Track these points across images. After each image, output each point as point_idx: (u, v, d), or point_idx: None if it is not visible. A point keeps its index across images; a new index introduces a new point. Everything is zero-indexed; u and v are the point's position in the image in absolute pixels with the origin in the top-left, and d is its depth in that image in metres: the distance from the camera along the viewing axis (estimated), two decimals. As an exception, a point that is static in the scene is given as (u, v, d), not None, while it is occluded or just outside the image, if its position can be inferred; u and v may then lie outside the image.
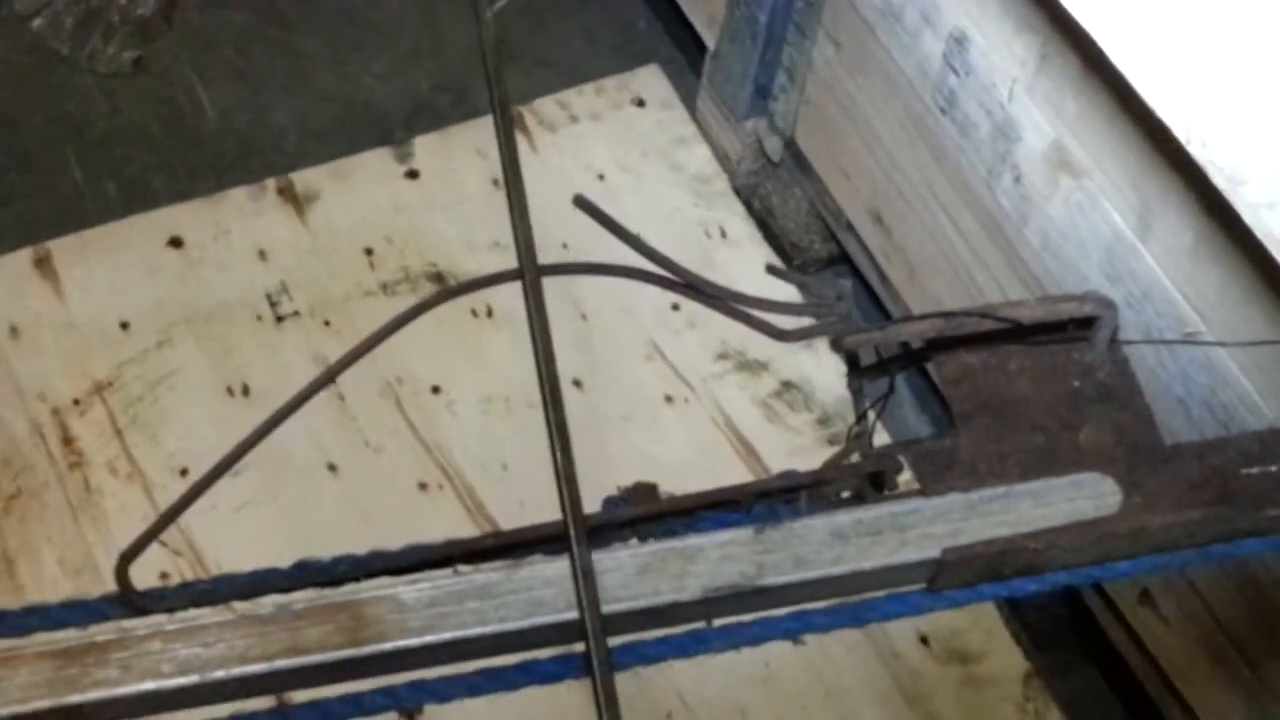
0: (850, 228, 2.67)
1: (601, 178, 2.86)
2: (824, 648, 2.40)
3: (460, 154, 2.88)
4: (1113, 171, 1.99)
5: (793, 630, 1.27)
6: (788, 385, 2.66)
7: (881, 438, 1.43)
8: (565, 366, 2.78)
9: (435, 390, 2.59)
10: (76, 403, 2.55)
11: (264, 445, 2.52)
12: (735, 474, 2.45)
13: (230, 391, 2.58)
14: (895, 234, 2.53)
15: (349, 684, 1.24)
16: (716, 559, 1.21)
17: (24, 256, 2.70)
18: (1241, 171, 1.72)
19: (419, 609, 1.21)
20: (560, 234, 2.77)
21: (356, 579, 1.25)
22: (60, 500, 2.46)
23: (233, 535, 2.40)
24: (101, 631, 1.20)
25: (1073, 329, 1.35)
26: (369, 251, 2.75)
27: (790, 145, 2.75)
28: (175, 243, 2.74)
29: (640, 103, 2.96)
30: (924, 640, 2.42)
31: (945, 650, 2.43)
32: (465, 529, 2.40)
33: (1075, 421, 1.31)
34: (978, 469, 1.29)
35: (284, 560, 1.33)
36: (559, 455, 1.21)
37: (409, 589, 1.22)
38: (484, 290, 2.77)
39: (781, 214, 2.81)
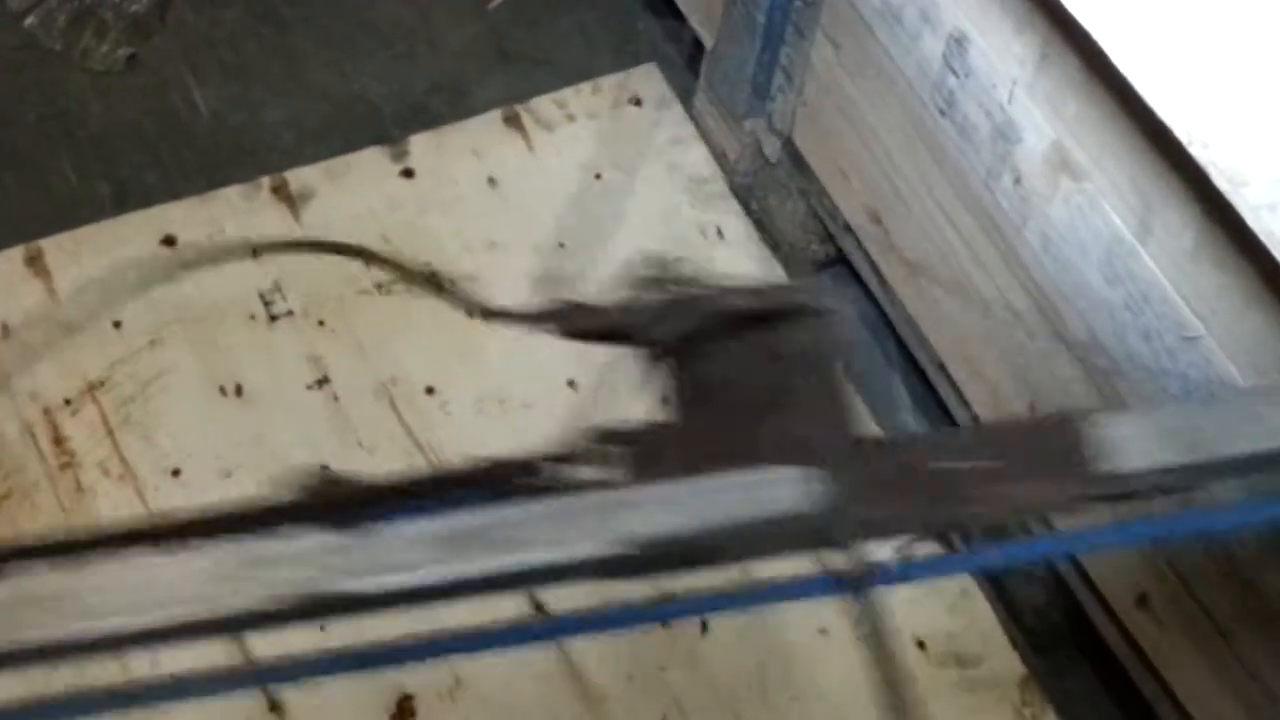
0: (848, 228, 2.66)
1: (598, 177, 2.85)
2: (819, 650, 2.39)
3: (455, 153, 2.87)
4: (1113, 173, 1.99)
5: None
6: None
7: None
8: (560, 368, 2.80)
9: (429, 391, 2.58)
10: (68, 402, 2.54)
11: (258, 446, 2.54)
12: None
13: (223, 391, 2.57)
14: (893, 235, 2.52)
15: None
16: (294, 563, 1.17)
17: (16, 255, 2.69)
18: (1243, 173, 1.71)
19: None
20: (556, 233, 2.77)
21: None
22: (51, 501, 2.45)
23: (225, 536, 2.39)
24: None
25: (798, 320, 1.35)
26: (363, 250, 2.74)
27: (788, 145, 2.74)
28: (168, 241, 2.73)
29: (637, 102, 2.95)
30: (920, 644, 2.42)
31: (941, 653, 2.42)
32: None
33: (792, 415, 1.31)
34: (689, 459, 1.28)
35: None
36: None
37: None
38: (479, 289, 2.77)
39: (779, 214, 2.80)
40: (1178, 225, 1.90)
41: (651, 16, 3.11)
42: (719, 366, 1.34)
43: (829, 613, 2.41)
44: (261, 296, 2.67)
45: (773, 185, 2.80)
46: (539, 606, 2.33)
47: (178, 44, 3.02)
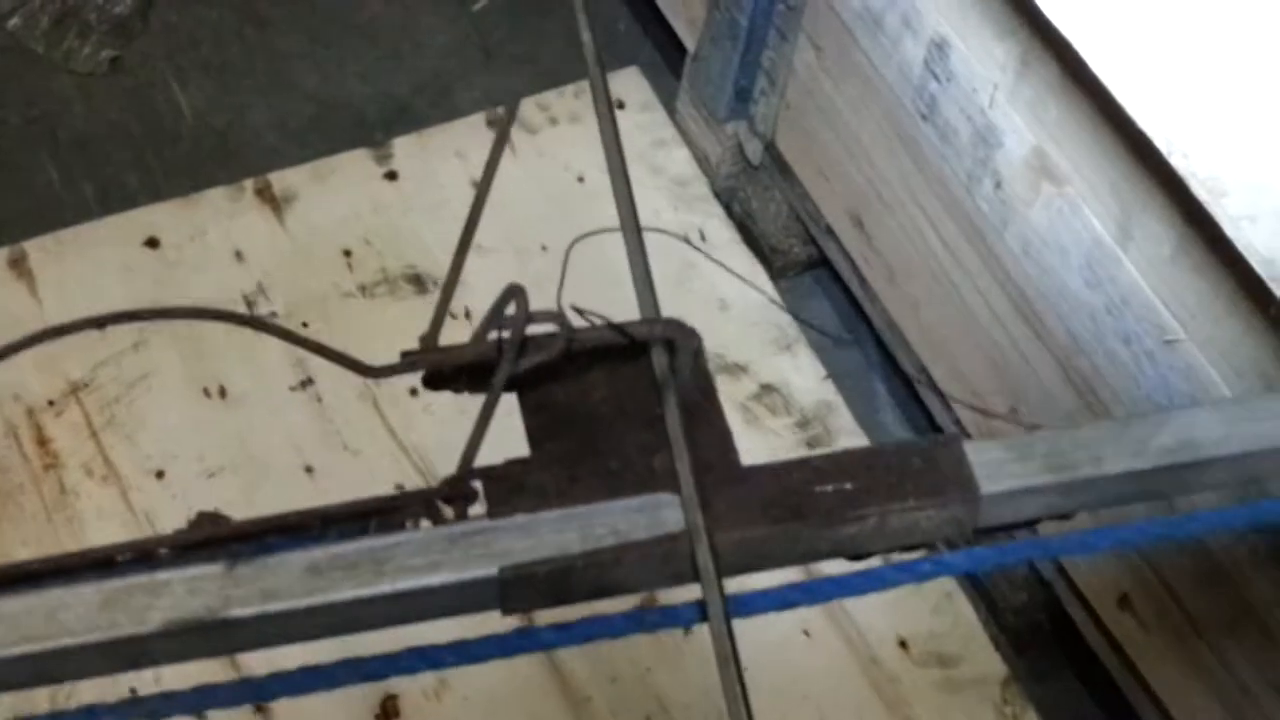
0: (830, 231, 2.67)
1: (581, 180, 2.85)
2: (801, 652, 2.40)
3: (440, 155, 2.87)
4: (1093, 179, 2.00)
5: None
6: (767, 388, 2.65)
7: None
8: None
9: (413, 392, 2.58)
10: (52, 404, 2.53)
11: (241, 448, 2.54)
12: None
13: (207, 393, 2.57)
14: (875, 238, 2.53)
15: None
16: (183, 592, 1.20)
17: (-1, 256, 2.69)
18: (1223, 183, 1.73)
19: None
20: (539, 237, 2.77)
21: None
22: (35, 502, 2.45)
23: (209, 538, 2.39)
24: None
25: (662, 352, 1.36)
26: (347, 253, 2.74)
27: (770, 148, 2.75)
28: (152, 243, 2.73)
29: (620, 105, 2.95)
30: (902, 644, 2.43)
31: (923, 654, 2.43)
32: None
33: (653, 446, 1.32)
34: (546, 492, 1.29)
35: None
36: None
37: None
38: (463, 291, 2.77)
39: (761, 217, 2.81)
40: (1158, 231, 1.91)
41: (634, 19, 3.12)
42: (576, 399, 1.35)
43: (813, 615, 2.42)
44: (245, 298, 2.67)
45: (755, 188, 2.81)
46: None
47: (161, 45, 3.02)
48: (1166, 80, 1.80)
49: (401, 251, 2.74)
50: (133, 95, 2.95)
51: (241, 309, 2.65)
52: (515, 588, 1.25)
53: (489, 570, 1.24)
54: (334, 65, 3.03)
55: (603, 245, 2.81)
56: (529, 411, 1.35)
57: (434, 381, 1.36)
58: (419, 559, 1.24)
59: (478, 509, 1.30)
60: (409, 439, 2.55)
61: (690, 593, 1.30)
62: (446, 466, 2.60)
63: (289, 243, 2.75)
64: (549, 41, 3.08)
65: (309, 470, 2.51)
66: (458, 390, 1.37)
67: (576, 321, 1.33)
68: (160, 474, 2.48)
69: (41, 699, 2.04)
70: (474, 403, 2.43)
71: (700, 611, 1.28)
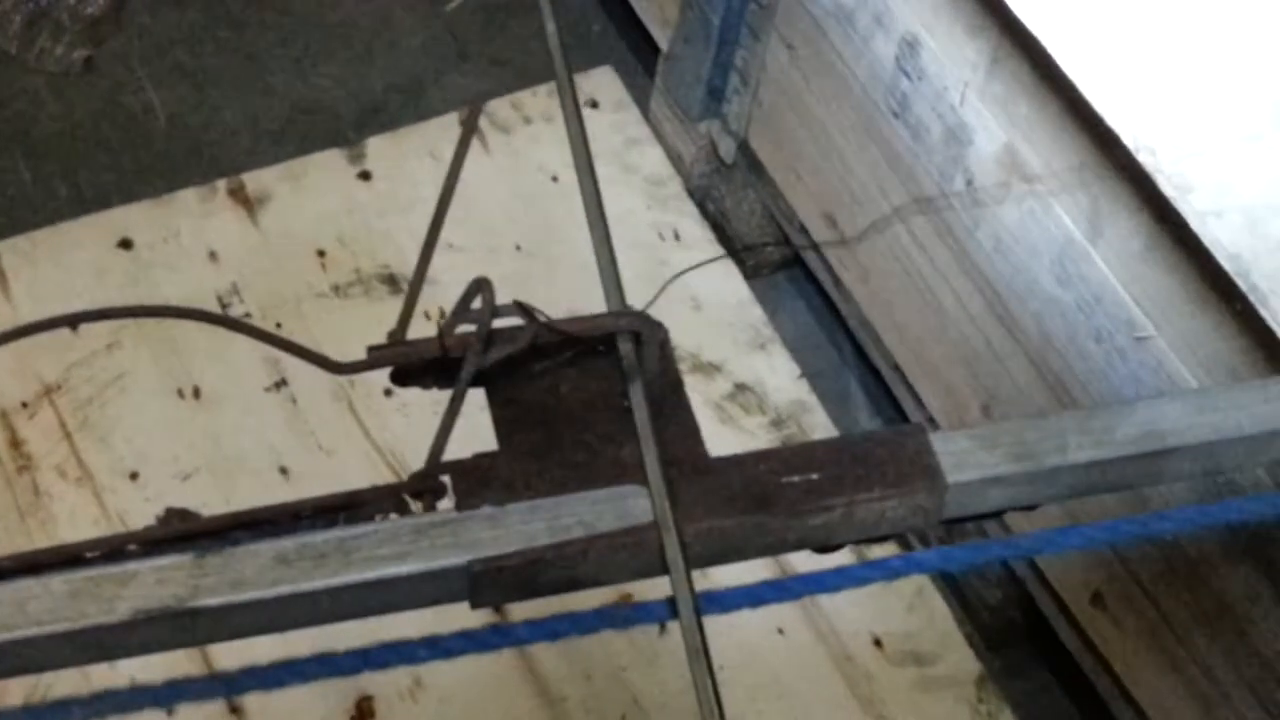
0: (804, 230, 2.67)
1: (555, 179, 2.85)
2: (776, 650, 2.40)
3: (413, 155, 2.87)
4: (1064, 176, 2.00)
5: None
6: (741, 387, 2.66)
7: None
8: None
9: (388, 393, 2.58)
10: (25, 405, 2.53)
11: (215, 448, 2.53)
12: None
13: (181, 394, 2.56)
14: (848, 236, 2.53)
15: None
16: (152, 582, 1.21)
17: (-29, 258, 2.68)
18: (1188, 180, 1.74)
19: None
20: (513, 236, 2.77)
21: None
22: (8, 503, 2.44)
23: (183, 539, 2.39)
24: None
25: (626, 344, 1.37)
26: (321, 253, 2.73)
27: (743, 147, 2.75)
28: (125, 244, 2.72)
29: (594, 104, 2.95)
30: (877, 642, 2.43)
31: (898, 652, 2.43)
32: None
33: (620, 438, 1.33)
34: (514, 485, 1.30)
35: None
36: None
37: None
38: (437, 291, 2.77)
39: (735, 216, 2.82)
40: (1127, 228, 1.92)
41: (608, 19, 3.12)
42: (543, 393, 1.36)
43: (787, 612, 2.43)
44: (219, 299, 2.67)
45: (729, 187, 2.81)
46: (499, 610, 2.34)
47: (134, 46, 3.01)
48: (1134, 77, 1.81)
49: (375, 251, 2.74)
50: (106, 96, 2.94)
51: (216, 310, 2.65)
52: (484, 581, 1.25)
53: (457, 560, 1.24)
54: (308, 66, 3.02)
55: (578, 245, 2.82)
56: (497, 405, 1.35)
57: (401, 377, 1.36)
58: (387, 549, 1.25)
59: (446, 504, 1.30)
60: (383, 439, 2.54)
61: (663, 589, 1.30)
62: (421, 466, 2.61)
63: (263, 243, 2.74)
64: (523, 41, 3.08)
65: (284, 471, 2.50)
66: (425, 386, 1.37)
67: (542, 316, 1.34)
68: (134, 475, 2.47)
69: (16, 697, 2.05)
70: (446, 405, 2.44)
71: (671, 607, 1.28)
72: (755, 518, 1.30)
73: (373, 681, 2.31)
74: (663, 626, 2.39)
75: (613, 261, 1.44)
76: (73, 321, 1.41)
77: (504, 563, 1.25)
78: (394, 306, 2.66)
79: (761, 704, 2.36)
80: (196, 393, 2.57)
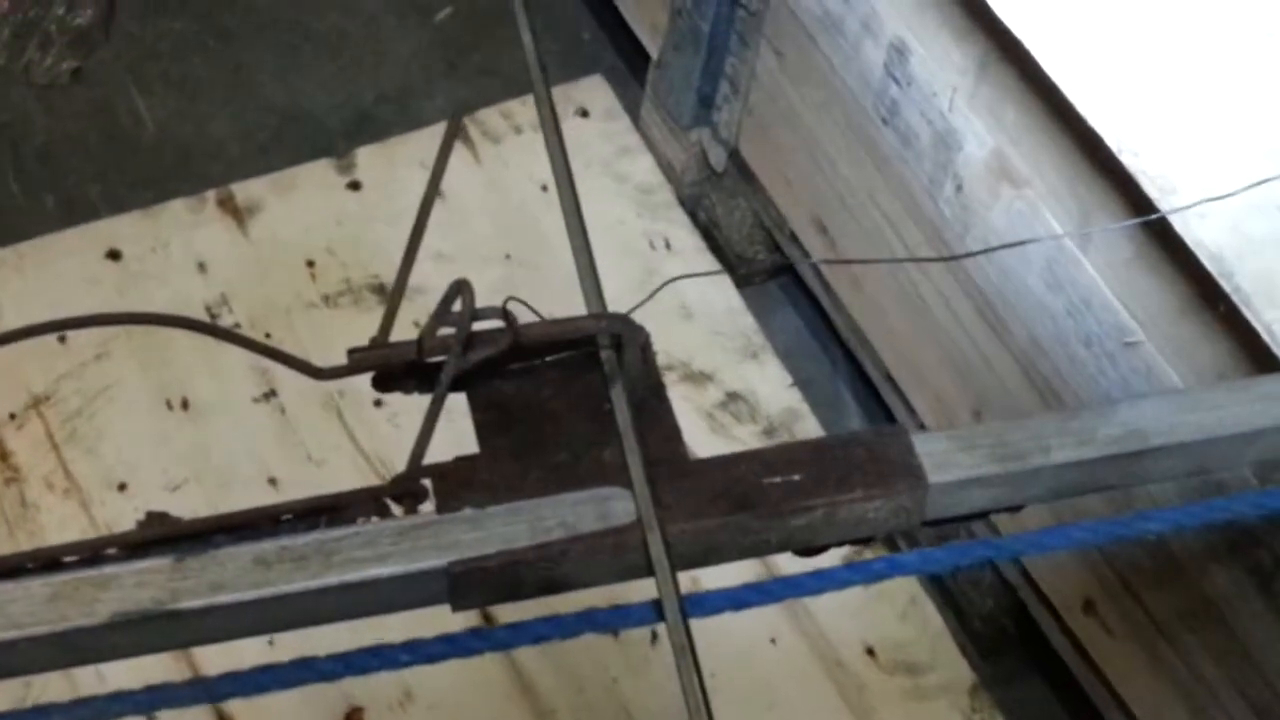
0: (794, 238, 2.67)
1: (545, 189, 2.84)
2: (768, 659, 2.39)
3: (403, 165, 2.86)
4: (1052, 181, 2.00)
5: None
6: (733, 396, 2.65)
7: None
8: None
9: (377, 404, 2.57)
10: (13, 417, 2.52)
11: (205, 460, 2.52)
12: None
13: (169, 405, 2.56)
14: (839, 244, 2.53)
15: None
16: (131, 585, 1.21)
17: (-40, 269, 2.67)
18: (1172, 181, 1.74)
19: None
20: (503, 245, 2.77)
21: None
22: (-4, 516, 2.44)
23: (172, 550, 2.38)
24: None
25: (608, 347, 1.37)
26: (310, 263, 2.73)
27: (734, 155, 2.75)
28: (114, 255, 2.71)
29: (584, 113, 2.95)
30: (870, 651, 2.42)
31: (891, 661, 2.43)
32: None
33: (602, 440, 1.33)
34: (495, 487, 1.29)
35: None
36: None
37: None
38: (427, 301, 2.75)
39: (726, 224, 2.81)
40: (1115, 232, 1.91)
41: (598, 27, 3.11)
42: (524, 396, 1.36)
43: (779, 622, 2.42)
44: (208, 309, 2.66)
45: (720, 195, 2.81)
46: (486, 617, 2.33)
47: (123, 57, 3.00)
48: (1118, 81, 1.81)
49: (365, 261, 2.73)
50: (94, 107, 2.94)
51: (204, 320, 2.64)
52: (464, 582, 1.25)
53: (438, 562, 1.24)
54: (296, 76, 3.02)
55: (568, 254, 2.81)
56: (478, 409, 1.36)
57: (383, 382, 1.36)
58: (367, 551, 1.25)
59: (428, 507, 1.30)
60: (372, 449, 2.54)
61: (647, 595, 1.30)
62: (410, 476, 2.60)
63: (252, 254, 2.74)
64: (512, 50, 3.06)
65: (272, 482, 2.49)
66: (407, 390, 1.37)
67: (523, 319, 1.33)
68: (122, 487, 2.46)
69: (2, 704, 2.04)
70: (439, 415, 2.45)
71: (656, 610, 1.27)
72: (737, 518, 1.30)
73: (363, 693, 2.30)
74: (654, 635, 2.39)
75: (591, 264, 1.44)
76: (56, 329, 1.40)
77: (484, 564, 1.25)
78: (381, 316, 2.68)
79: (753, 713, 2.35)
80: (185, 404, 2.56)
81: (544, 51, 3.11)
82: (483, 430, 1.34)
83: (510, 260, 2.74)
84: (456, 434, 1.35)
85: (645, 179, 2.88)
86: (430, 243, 2.81)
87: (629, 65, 3.04)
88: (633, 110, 2.94)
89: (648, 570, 1.27)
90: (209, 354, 2.60)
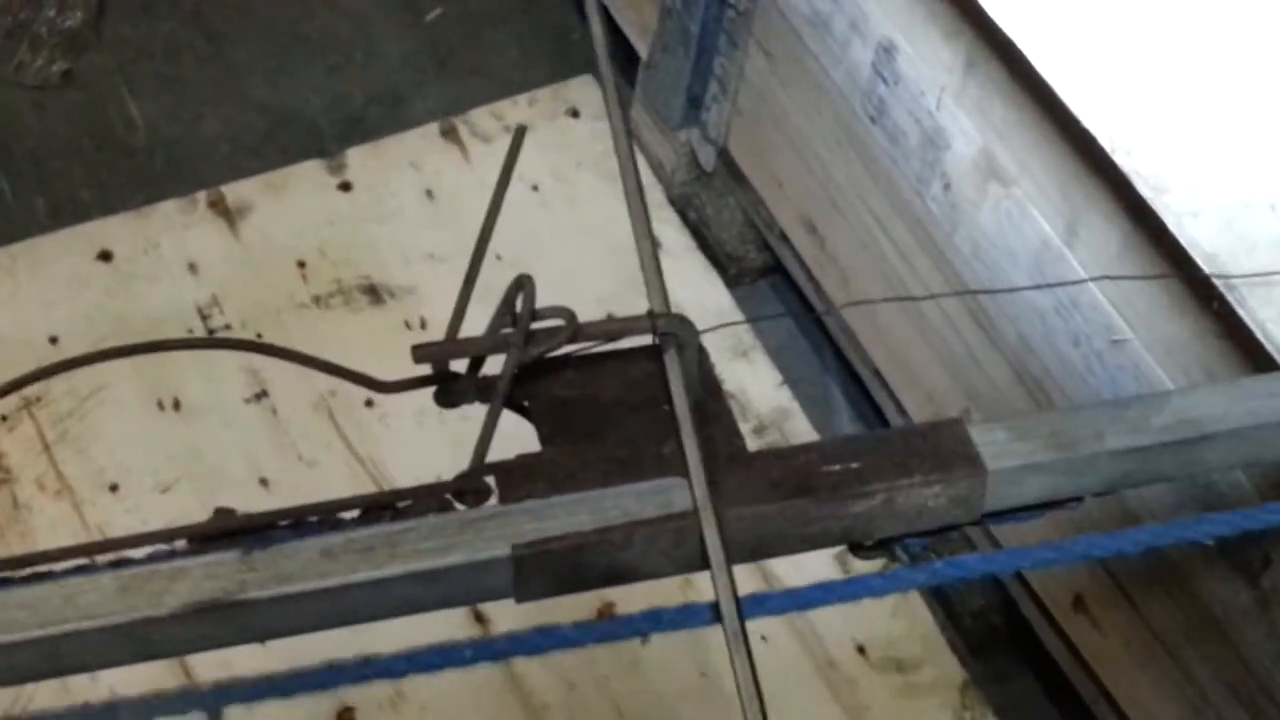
0: (784, 237, 2.67)
1: (535, 189, 2.85)
2: (759, 656, 2.39)
3: (393, 166, 2.86)
4: (1040, 179, 2.01)
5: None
6: (725, 394, 2.65)
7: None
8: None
9: (369, 404, 2.58)
10: (4, 419, 2.52)
11: (196, 461, 2.52)
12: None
13: (161, 406, 2.56)
14: (828, 243, 2.54)
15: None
16: (200, 577, 1.22)
17: (-48, 271, 2.67)
18: (1165, 180, 1.74)
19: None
20: (494, 245, 2.76)
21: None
22: (-12, 517, 2.44)
23: (164, 551, 2.38)
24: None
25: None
26: (301, 264, 2.73)
27: (723, 155, 2.75)
28: (105, 256, 2.72)
29: (574, 113, 2.96)
30: (860, 649, 2.43)
31: (882, 659, 2.43)
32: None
33: (661, 436, 1.34)
34: (557, 480, 1.31)
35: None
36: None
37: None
38: (418, 301, 2.76)
39: (716, 224, 2.81)
40: (1104, 230, 1.92)
41: (588, 27, 3.11)
42: (583, 395, 1.38)
43: (770, 619, 2.42)
44: (199, 310, 2.66)
45: (709, 195, 2.81)
46: (479, 618, 2.34)
47: (113, 58, 3.00)
48: (1109, 80, 1.82)
49: (356, 262, 2.74)
50: (85, 108, 2.94)
51: (195, 321, 2.64)
52: (528, 568, 1.26)
53: (501, 550, 1.25)
54: (287, 77, 3.02)
55: (559, 254, 2.82)
56: (538, 408, 1.37)
57: (445, 394, 1.37)
58: (431, 542, 1.26)
59: (491, 504, 1.30)
60: (364, 450, 2.54)
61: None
62: (402, 476, 2.61)
63: (243, 255, 2.74)
64: (502, 51, 3.07)
65: (264, 482, 2.50)
66: (469, 401, 1.38)
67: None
68: (114, 487, 2.47)
69: (-3, 709, 2.04)
70: (431, 415, 2.46)
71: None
72: (796, 503, 1.31)
73: (353, 692, 2.30)
74: (644, 636, 2.40)
75: (656, 263, 1.45)
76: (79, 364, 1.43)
77: (548, 546, 1.25)
78: (375, 317, 2.68)
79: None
80: (177, 404, 2.56)
81: (534, 52, 3.13)
82: (543, 428, 1.35)
83: (502, 260, 2.73)
84: (506, 446, 1.36)
85: (635, 179, 2.88)
86: (420, 244, 2.85)
87: (619, 66, 3.04)
88: (623, 111, 2.94)
89: (705, 560, 1.27)
90: (200, 355, 2.60)
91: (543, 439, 1.35)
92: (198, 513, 2.46)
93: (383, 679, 1.28)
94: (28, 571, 1.23)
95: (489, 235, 1.47)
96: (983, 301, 2.19)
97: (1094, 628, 2.21)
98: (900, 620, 2.46)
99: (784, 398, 2.65)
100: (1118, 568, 2.12)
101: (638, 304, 2.63)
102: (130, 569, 1.22)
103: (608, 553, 1.27)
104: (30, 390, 2.54)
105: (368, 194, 2.84)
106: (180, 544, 1.26)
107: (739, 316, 2.73)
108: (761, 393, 2.65)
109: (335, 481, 2.50)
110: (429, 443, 2.53)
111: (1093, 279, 1.91)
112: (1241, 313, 1.71)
